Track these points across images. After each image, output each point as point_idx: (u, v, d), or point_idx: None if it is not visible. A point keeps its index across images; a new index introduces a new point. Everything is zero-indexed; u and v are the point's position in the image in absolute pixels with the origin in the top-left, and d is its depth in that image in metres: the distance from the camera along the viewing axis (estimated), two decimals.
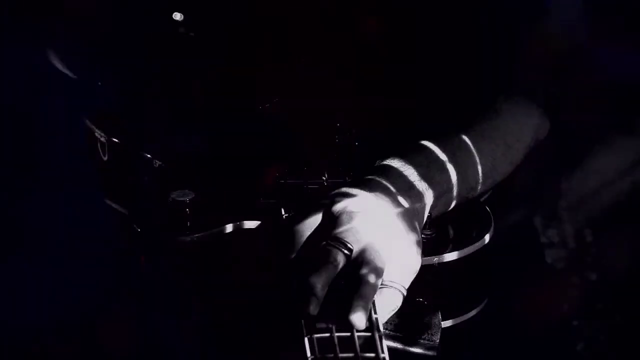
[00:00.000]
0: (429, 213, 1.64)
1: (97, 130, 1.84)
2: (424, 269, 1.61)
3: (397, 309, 1.56)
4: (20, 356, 1.89)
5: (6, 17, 2.03)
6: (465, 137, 1.73)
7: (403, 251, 1.55)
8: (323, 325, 1.46)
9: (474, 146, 1.72)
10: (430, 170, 1.65)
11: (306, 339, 1.44)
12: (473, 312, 1.71)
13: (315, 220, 1.58)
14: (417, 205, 1.62)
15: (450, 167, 1.68)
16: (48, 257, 1.92)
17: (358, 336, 1.45)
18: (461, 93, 1.84)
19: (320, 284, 1.49)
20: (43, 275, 1.92)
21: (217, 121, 1.85)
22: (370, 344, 1.44)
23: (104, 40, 1.93)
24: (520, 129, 1.80)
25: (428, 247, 1.64)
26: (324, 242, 1.53)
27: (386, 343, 1.45)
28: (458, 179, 1.68)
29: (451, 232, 1.69)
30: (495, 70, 1.85)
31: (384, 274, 1.53)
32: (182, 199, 1.69)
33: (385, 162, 1.66)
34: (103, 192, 1.85)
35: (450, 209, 1.70)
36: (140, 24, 1.92)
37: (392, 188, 1.61)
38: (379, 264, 1.52)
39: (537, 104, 1.85)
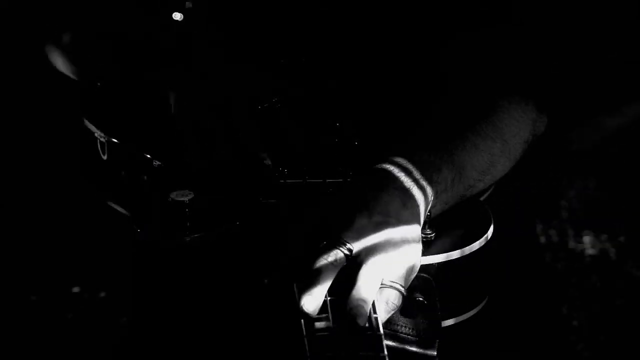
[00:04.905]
0: (428, 212, 1.64)
1: (97, 130, 1.84)
2: (424, 269, 1.61)
3: (397, 309, 1.56)
4: (22, 353, 1.89)
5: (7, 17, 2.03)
6: (462, 135, 1.73)
7: (403, 251, 1.55)
8: (323, 325, 1.46)
9: (472, 143, 1.72)
10: (429, 169, 1.65)
11: (306, 339, 1.44)
12: (473, 312, 1.71)
13: (315, 220, 1.59)
14: (417, 204, 1.62)
15: (449, 166, 1.68)
16: (47, 257, 1.93)
17: (358, 336, 1.45)
18: (458, 92, 1.84)
19: (320, 284, 1.49)
20: (43, 275, 1.92)
21: (217, 120, 1.85)
22: (370, 344, 1.44)
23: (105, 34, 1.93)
24: (517, 124, 1.80)
25: (428, 247, 1.64)
26: (324, 242, 1.53)
27: (386, 343, 1.46)
28: (456, 177, 1.68)
29: (451, 232, 1.69)
30: (492, 67, 1.86)
31: (384, 273, 1.53)
32: (182, 199, 1.69)
33: (384, 162, 1.66)
34: (103, 193, 1.85)
35: (449, 207, 1.70)
36: (140, 21, 1.92)
37: (391, 187, 1.61)
38: (379, 263, 1.52)
39: (534, 98, 1.84)
